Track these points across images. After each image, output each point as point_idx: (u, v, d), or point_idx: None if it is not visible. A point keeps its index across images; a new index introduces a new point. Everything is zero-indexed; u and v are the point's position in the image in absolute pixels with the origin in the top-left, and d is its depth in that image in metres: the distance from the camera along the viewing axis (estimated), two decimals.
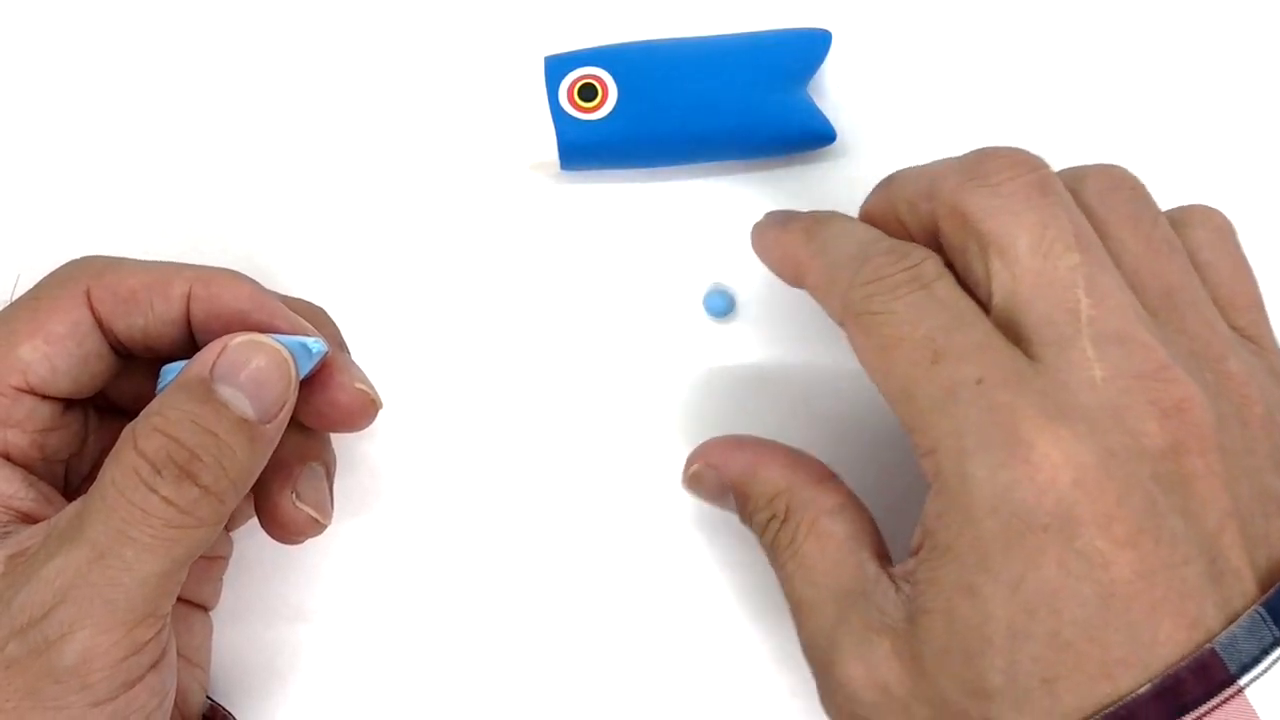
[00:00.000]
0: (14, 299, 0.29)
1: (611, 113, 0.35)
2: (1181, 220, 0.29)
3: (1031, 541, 0.24)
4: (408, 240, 0.37)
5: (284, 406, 0.27)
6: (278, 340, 0.28)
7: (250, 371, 0.27)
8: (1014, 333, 0.26)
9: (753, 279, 0.36)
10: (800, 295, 0.36)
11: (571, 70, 0.35)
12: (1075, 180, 0.29)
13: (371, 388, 0.30)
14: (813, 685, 0.28)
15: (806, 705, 0.34)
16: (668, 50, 0.36)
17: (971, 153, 0.28)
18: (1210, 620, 0.24)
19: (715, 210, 0.37)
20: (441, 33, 0.38)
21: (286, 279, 0.36)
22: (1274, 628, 0.24)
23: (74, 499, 0.27)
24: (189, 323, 0.29)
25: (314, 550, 0.34)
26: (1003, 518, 0.24)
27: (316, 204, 0.37)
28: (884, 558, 0.28)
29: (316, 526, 0.30)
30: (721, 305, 0.36)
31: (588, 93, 0.35)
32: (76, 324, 0.29)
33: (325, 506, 0.31)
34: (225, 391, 0.27)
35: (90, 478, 0.30)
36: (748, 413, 0.36)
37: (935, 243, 0.29)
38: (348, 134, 0.37)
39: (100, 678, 0.25)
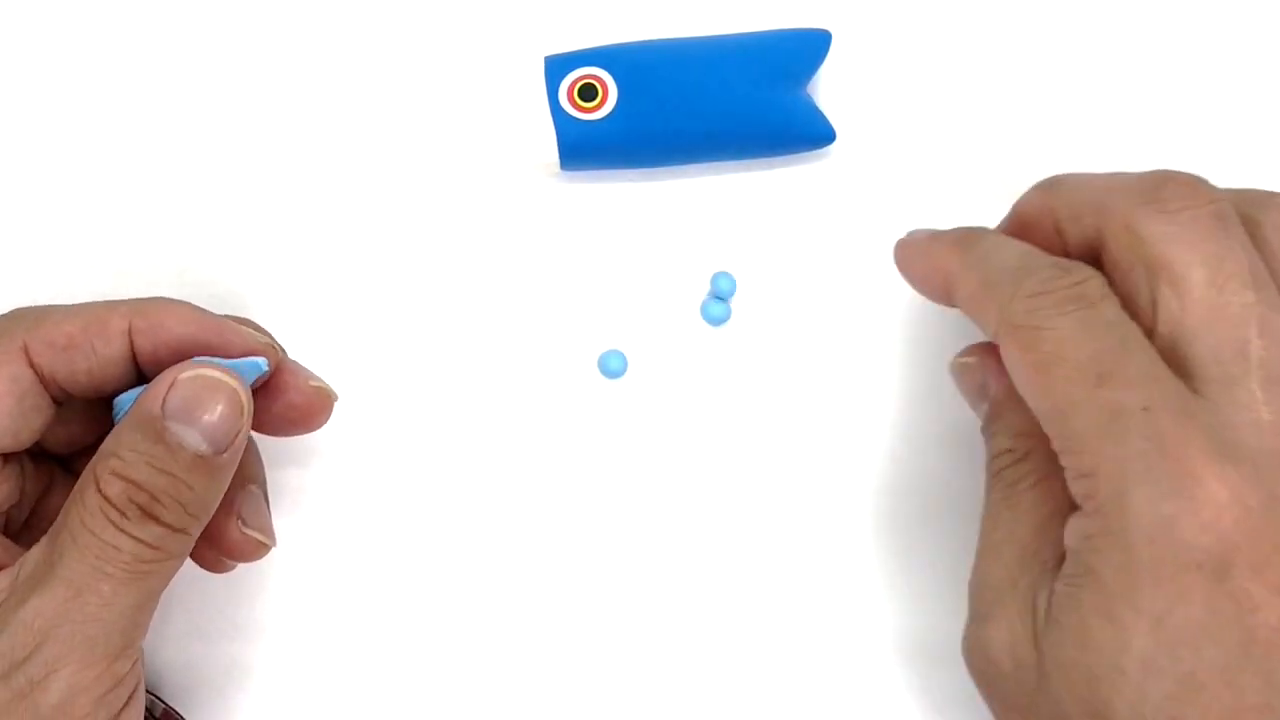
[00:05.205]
0: None
1: (611, 113, 0.35)
2: None
3: (1184, 578, 0.24)
4: (407, 240, 0.37)
5: (239, 435, 0.27)
6: (226, 365, 0.27)
7: (201, 405, 0.27)
8: (1177, 365, 0.26)
9: (752, 281, 0.36)
10: (797, 295, 0.36)
11: (571, 70, 0.35)
12: (1257, 209, 0.28)
13: (323, 382, 0.30)
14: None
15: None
16: (668, 50, 0.36)
17: (1149, 174, 0.28)
18: None
19: (715, 210, 0.37)
20: (441, 33, 0.38)
21: (285, 281, 0.36)
22: None
23: (19, 544, 0.28)
24: (134, 357, 0.29)
25: (255, 566, 0.33)
26: (1158, 550, 0.24)
27: (317, 204, 0.37)
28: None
29: (263, 549, 0.30)
30: (719, 313, 0.36)
31: (588, 93, 0.35)
32: (15, 380, 0.28)
33: (270, 529, 0.31)
34: (177, 429, 0.26)
35: (29, 524, 0.31)
36: (746, 413, 0.36)
37: (1089, 258, 0.28)
38: (347, 134, 0.37)
39: (85, 714, 0.25)
